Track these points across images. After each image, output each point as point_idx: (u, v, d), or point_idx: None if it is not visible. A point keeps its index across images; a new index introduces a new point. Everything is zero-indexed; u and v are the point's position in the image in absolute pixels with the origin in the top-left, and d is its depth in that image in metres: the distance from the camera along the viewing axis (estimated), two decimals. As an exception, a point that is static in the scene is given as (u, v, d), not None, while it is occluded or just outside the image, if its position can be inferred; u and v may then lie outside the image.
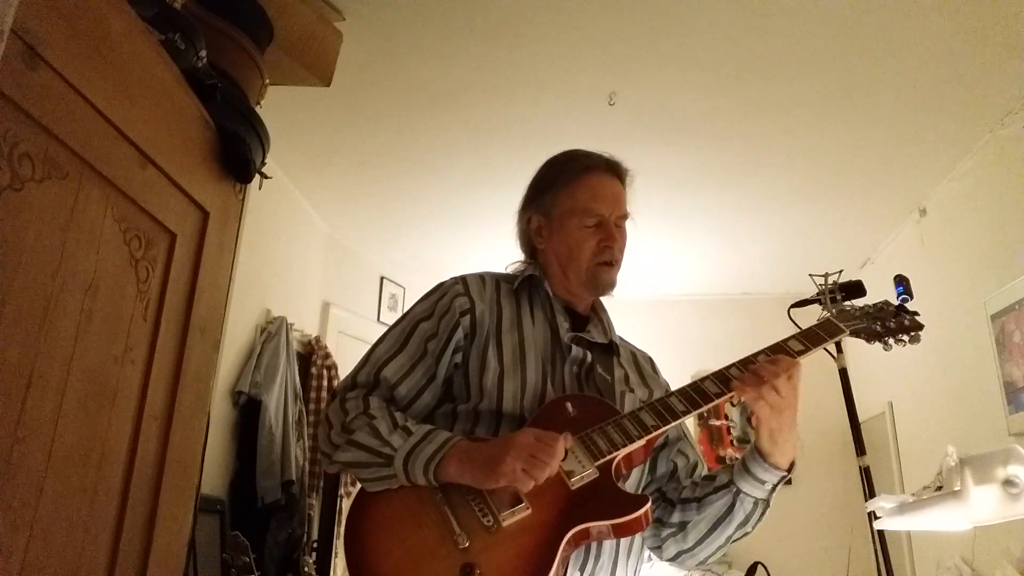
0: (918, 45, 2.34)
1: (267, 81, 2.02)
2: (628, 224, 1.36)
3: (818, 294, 1.69)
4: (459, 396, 1.20)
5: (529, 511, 1.03)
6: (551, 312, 1.29)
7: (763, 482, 1.15)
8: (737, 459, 1.21)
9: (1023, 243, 2.65)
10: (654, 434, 1.10)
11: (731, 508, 1.17)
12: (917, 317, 1.35)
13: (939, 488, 1.75)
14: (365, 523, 1.07)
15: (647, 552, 1.27)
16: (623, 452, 1.09)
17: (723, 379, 1.16)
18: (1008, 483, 1.62)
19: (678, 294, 4.91)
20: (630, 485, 1.22)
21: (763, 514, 1.19)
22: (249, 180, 1.65)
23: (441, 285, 1.30)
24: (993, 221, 2.87)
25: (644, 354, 1.44)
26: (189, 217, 1.41)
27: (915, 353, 3.70)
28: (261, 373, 2.99)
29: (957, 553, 2.87)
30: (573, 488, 1.06)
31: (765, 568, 2.66)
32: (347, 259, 4.17)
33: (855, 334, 1.31)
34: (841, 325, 1.29)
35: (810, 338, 1.23)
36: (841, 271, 1.74)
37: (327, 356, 3.56)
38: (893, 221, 3.64)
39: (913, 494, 1.85)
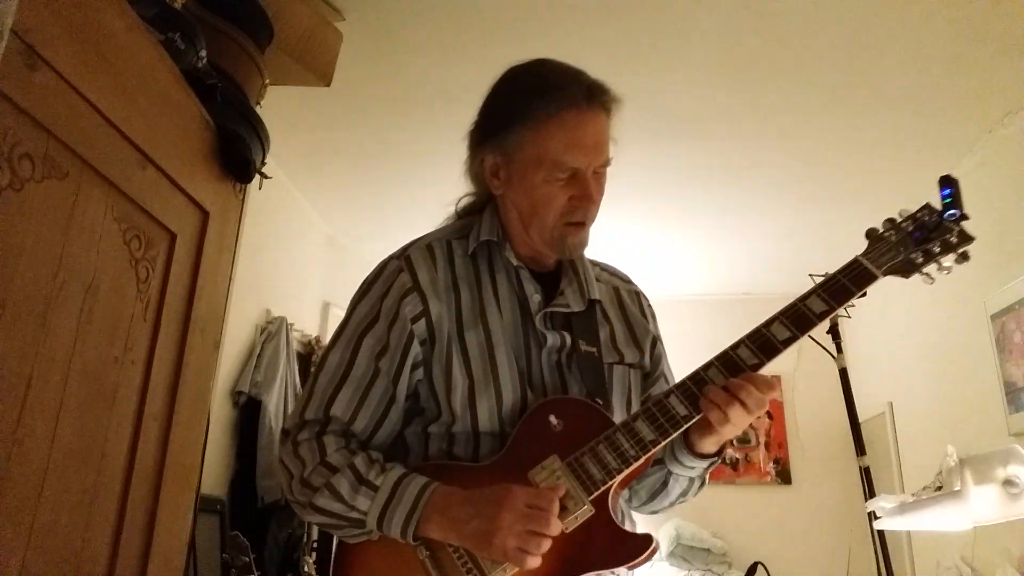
0: (918, 45, 2.34)
1: (267, 81, 2.01)
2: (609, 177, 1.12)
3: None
4: (428, 411, 1.06)
5: None
6: (517, 281, 1.10)
7: (693, 467, 1.08)
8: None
9: (1023, 243, 2.65)
10: (653, 451, 0.97)
11: (665, 484, 1.11)
12: (965, 223, 1.06)
13: (939, 488, 1.76)
14: None
15: None
16: (619, 479, 0.96)
17: (730, 365, 0.98)
18: (1008, 483, 1.62)
19: (678, 294, 4.91)
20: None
21: (702, 485, 1.14)
22: (249, 180, 1.65)
23: (383, 273, 1.09)
24: (993, 221, 2.87)
25: (630, 288, 1.24)
26: (189, 217, 1.41)
27: (915, 353, 3.70)
28: (261, 373, 2.99)
29: (957, 553, 2.86)
30: (567, 531, 0.93)
31: (765, 568, 2.66)
32: (347, 259, 4.17)
33: (891, 273, 1.04)
34: (872, 268, 1.02)
35: (835, 293, 1.00)
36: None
37: (327, 356, 3.56)
38: (893, 221, 3.64)
39: (913, 494, 1.85)
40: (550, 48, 2.40)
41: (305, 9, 2.17)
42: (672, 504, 1.17)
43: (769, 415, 4.64)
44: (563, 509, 0.93)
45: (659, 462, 1.11)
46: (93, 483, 1.13)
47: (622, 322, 1.18)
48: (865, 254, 1.05)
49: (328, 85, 2.35)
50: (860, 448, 2.18)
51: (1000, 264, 2.77)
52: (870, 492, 2.12)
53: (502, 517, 0.88)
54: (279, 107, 2.49)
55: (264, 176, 1.86)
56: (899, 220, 1.07)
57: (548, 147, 1.03)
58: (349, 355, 1.04)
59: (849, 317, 2.17)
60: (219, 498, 2.73)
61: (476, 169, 1.13)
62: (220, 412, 2.81)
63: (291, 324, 3.26)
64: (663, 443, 0.97)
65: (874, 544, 2.11)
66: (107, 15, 1.11)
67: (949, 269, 1.06)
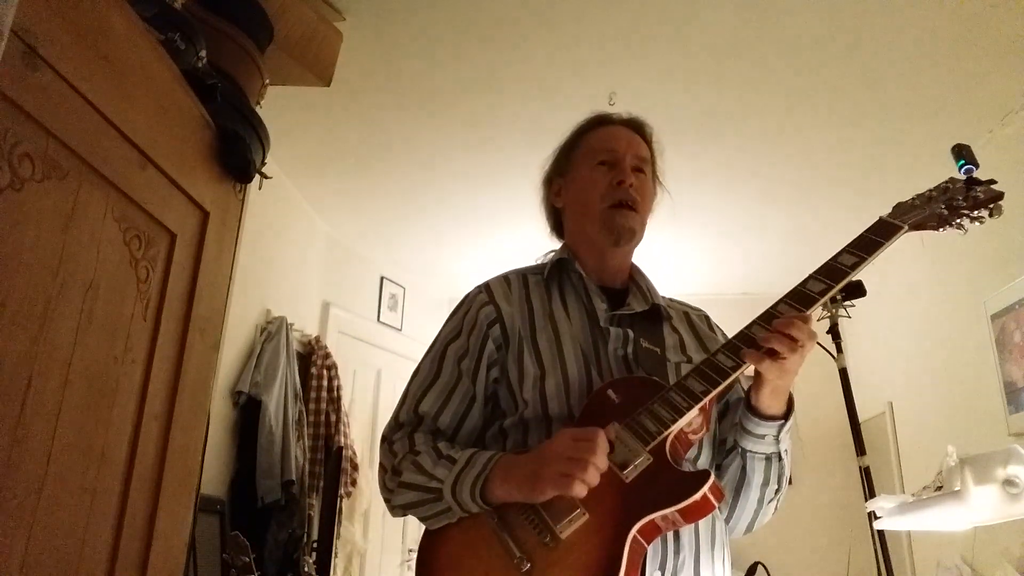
0: (918, 45, 2.34)
1: (267, 81, 2.02)
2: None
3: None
4: (507, 410, 1.14)
5: (586, 516, 0.96)
6: (585, 294, 1.22)
7: (763, 436, 1.09)
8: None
9: (1023, 243, 2.65)
10: (704, 400, 1.00)
11: (744, 470, 1.12)
12: (993, 186, 1.14)
13: (939, 488, 1.76)
14: (431, 565, 1.05)
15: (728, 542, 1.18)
16: (674, 429, 1.00)
17: (771, 319, 1.03)
18: (1008, 483, 1.61)
19: (677, 294, 4.90)
20: (703, 464, 1.13)
21: (782, 468, 1.13)
22: (249, 180, 1.65)
23: (465, 299, 1.25)
24: (993, 221, 2.86)
25: (699, 312, 1.36)
26: (189, 217, 1.41)
27: (915, 353, 3.69)
28: (261, 373, 2.99)
29: (957, 553, 2.87)
30: (628, 480, 0.97)
31: (765, 568, 2.67)
32: (347, 259, 4.17)
33: (918, 227, 1.11)
34: (896, 222, 1.10)
35: (864, 246, 1.08)
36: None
37: (327, 356, 3.56)
38: (893, 221, 3.63)
39: (913, 494, 1.85)
40: (549, 50, 2.42)
41: (305, 9, 2.17)
42: (761, 504, 1.14)
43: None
44: (623, 460, 0.98)
45: (733, 448, 1.13)
46: (93, 483, 1.13)
47: (692, 336, 1.27)
48: (889, 215, 1.14)
49: (328, 85, 2.35)
50: (860, 448, 2.18)
51: (1000, 264, 2.77)
52: (870, 492, 2.12)
53: (550, 451, 0.97)
54: (279, 107, 2.50)
55: (264, 176, 1.86)
56: (923, 192, 1.16)
57: (591, 142, 1.28)
58: (436, 363, 1.19)
59: (849, 317, 2.17)
60: (219, 498, 2.73)
61: (545, 191, 1.36)
62: (220, 412, 2.81)
63: (291, 324, 3.26)
64: (713, 393, 1.00)
65: (874, 544, 2.11)
66: (107, 15, 1.11)
67: (982, 220, 1.14)
